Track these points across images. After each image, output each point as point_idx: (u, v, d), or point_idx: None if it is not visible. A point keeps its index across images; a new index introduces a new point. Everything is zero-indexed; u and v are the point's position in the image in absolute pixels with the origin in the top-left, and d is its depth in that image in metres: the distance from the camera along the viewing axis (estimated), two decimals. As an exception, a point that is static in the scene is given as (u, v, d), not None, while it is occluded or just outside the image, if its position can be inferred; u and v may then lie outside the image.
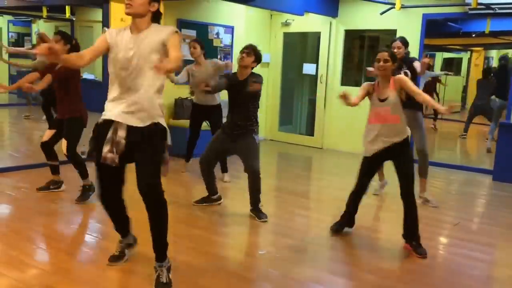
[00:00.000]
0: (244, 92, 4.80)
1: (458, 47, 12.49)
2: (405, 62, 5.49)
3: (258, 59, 4.92)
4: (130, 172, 3.30)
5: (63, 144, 5.12)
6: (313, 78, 9.48)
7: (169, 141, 3.30)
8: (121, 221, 3.62)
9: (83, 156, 5.30)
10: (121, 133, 3.16)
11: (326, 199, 6.18)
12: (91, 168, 3.99)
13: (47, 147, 5.23)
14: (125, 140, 3.17)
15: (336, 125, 9.08)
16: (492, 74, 10.22)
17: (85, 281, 3.49)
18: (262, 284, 3.63)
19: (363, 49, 10.03)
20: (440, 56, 12.67)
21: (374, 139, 4.34)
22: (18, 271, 3.54)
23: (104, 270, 3.66)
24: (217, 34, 8.26)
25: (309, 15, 8.72)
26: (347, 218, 4.66)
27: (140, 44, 3.11)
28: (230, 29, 8.46)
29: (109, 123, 3.21)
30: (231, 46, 8.50)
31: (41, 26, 11.96)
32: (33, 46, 8.75)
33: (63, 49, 4.85)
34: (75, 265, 3.84)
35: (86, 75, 9.14)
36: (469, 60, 12.75)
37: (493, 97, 9.50)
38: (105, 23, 6.82)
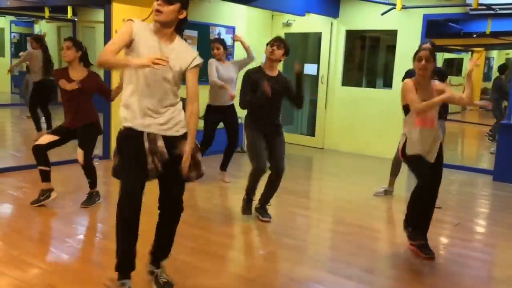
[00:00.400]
0: (278, 88, 4.66)
1: (459, 47, 12.50)
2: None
3: (287, 51, 4.78)
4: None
5: (79, 154, 4.97)
6: (314, 79, 9.50)
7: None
8: (133, 245, 3.20)
9: (96, 163, 5.21)
10: (160, 143, 3.02)
11: (327, 199, 6.18)
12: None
13: (41, 152, 4.86)
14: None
15: (337, 126, 9.10)
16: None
17: (86, 280, 3.50)
18: (263, 284, 3.64)
19: (364, 50, 10.04)
20: (441, 57, 12.66)
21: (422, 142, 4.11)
22: (19, 271, 3.55)
23: (104, 270, 3.68)
24: (219, 34, 8.26)
25: (310, 16, 8.73)
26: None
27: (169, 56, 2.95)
28: (232, 30, 8.47)
29: (135, 132, 3.02)
30: (233, 46, 8.51)
31: (43, 27, 12.00)
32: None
33: (74, 55, 4.85)
34: (76, 265, 3.85)
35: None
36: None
37: None
38: (107, 23, 6.83)
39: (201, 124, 6.42)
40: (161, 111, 3.02)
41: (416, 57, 4.09)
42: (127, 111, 3.03)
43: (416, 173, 4.17)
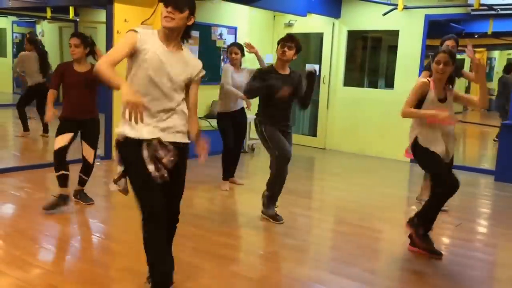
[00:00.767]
0: (291, 86, 4.63)
1: (460, 48, 12.46)
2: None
3: (298, 49, 4.72)
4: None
5: (88, 152, 4.94)
6: (316, 79, 9.48)
7: None
8: (169, 254, 3.17)
9: (97, 163, 5.12)
10: (164, 151, 2.95)
11: (329, 199, 6.19)
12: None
13: (64, 154, 4.76)
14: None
15: (339, 126, 9.10)
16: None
17: (88, 281, 3.50)
18: (264, 284, 3.64)
19: (366, 50, 10.04)
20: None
21: (439, 140, 4.05)
22: (21, 271, 3.56)
23: (107, 270, 3.69)
24: (220, 35, 8.27)
25: (312, 16, 8.73)
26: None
27: (176, 64, 2.96)
28: (233, 30, 8.48)
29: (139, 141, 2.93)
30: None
31: (45, 27, 12.02)
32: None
33: (83, 52, 4.86)
34: (78, 265, 3.85)
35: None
36: (471, 60, 12.74)
37: None
38: (109, 24, 6.84)
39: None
40: (164, 118, 2.97)
41: (435, 60, 3.98)
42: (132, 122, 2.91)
43: (433, 172, 4.12)
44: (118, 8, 6.81)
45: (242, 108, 6.22)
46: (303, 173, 7.52)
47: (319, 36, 9.33)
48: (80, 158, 5.08)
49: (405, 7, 7.52)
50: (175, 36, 2.95)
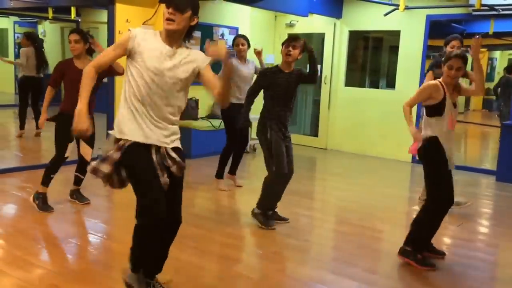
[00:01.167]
0: (293, 79, 4.68)
1: (461, 48, 12.46)
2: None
3: (303, 49, 4.75)
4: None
5: (87, 151, 4.92)
6: (317, 79, 9.48)
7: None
8: (165, 254, 3.19)
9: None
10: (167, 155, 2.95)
11: (330, 199, 6.19)
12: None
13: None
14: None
15: (340, 126, 9.10)
16: None
17: (89, 280, 3.51)
18: (265, 284, 3.64)
19: (367, 50, 10.03)
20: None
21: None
22: (22, 271, 3.57)
23: (108, 270, 3.69)
24: (222, 35, 8.28)
25: (314, 16, 8.74)
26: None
27: (179, 65, 2.92)
28: (235, 30, 8.48)
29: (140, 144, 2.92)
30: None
31: (47, 27, 12.03)
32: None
33: (83, 48, 4.88)
34: (80, 265, 3.86)
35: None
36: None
37: None
38: (111, 24, 6.84)
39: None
40: (165, 123, 2.95)
41: (447, 64, 3.84)
42: (131, 124, 2.96)
43: (436, 180, 3.98)
44: (119, 8, 6.82)
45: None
46: (304, 173, 7.52)
47: (321, 37, 9.34)
48: (76, 160, 5.09)
49: (407, 8, 7.52)
50: (178, 37, 2.91)
